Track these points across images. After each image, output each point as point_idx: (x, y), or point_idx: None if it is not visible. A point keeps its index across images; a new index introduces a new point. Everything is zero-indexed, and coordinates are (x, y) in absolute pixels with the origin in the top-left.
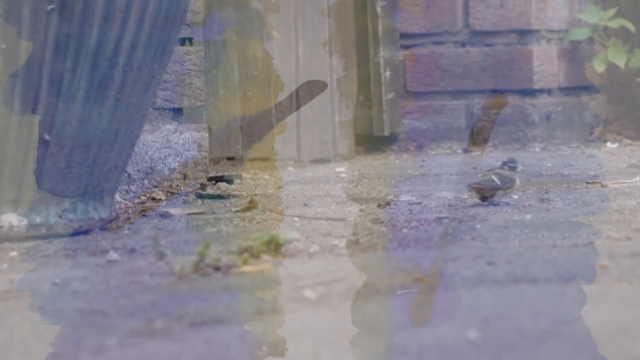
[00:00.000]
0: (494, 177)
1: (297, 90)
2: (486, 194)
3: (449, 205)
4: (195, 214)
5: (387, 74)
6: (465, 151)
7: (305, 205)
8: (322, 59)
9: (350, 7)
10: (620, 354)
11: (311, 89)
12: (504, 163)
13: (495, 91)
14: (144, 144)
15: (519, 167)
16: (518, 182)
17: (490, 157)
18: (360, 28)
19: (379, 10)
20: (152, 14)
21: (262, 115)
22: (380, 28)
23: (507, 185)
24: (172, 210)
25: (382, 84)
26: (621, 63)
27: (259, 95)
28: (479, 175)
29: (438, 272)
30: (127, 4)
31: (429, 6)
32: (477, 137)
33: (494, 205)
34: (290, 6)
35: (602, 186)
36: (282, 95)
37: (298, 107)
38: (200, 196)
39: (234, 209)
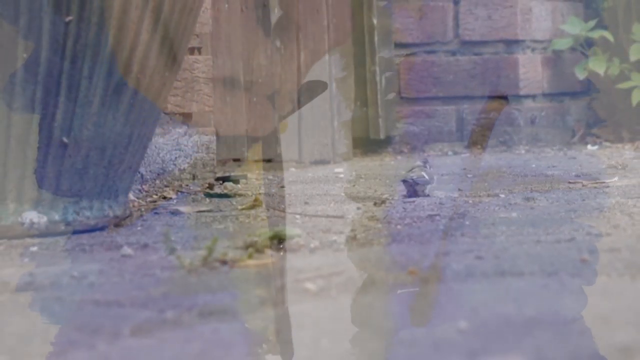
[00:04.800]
0: (423, 173)
1: (298, 90)
2: (418, 189)
3: (440, 203)
4: (203, 211)
5: (384, 79)
6: (455, 153)
7: (306, 203)
8: (322, 66)
9: (348, 17)
10: (600, 342)
11: (312, 89)
12: (425, 163)
13: (494, 96)
14: (155, 147)
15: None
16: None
17: (478, 159)
18: (357, 36)
19: (374, 21)
20: (163, 25)
21: (266, 119)
22: (376, 38)
23: (432, 180)
24: (182, 208)
25: (378, 90)
26: (601, 71)
27: (264, 101)
28: (406, 172)
29: (431, 266)
30: (140, 16)
31: (422, 18)
32: (473, 139)
33: (424, 197)
34: (292, 16)
35: (583, 186)
36: (285, 101)
37: (300, 107)
38: (208, 195)
39: (239, 207)
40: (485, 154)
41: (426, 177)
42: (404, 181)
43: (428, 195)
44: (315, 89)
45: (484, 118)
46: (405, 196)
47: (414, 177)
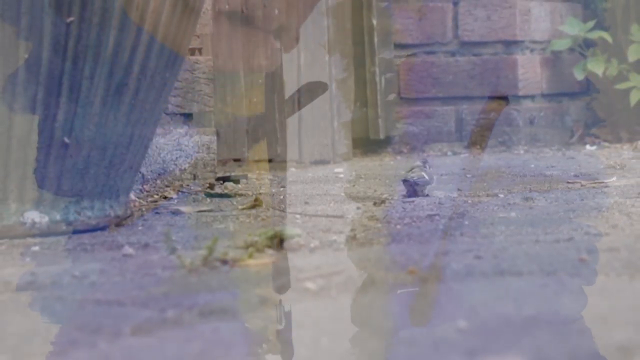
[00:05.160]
0: (423, 173)
1: (298, 91)
2: (418, 190)
3: (440, 203)
4: (204, 211)
5: (383, 80)
6: (455, 153)
7: (306, 203)
8: (322, 68)
9: (348, 20)
10: (599, 342)
11: (312, 90)
12: (424, 163)
13: (493, 97)
14: (156, 147)
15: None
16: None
17: (477, 159)
18: (357, 38)
19: (374, 22)
20: (164, 26)
21: (266, 120)
22: (376, 39)
23: (432, 180)
24: (183, 208)
25: (378, 91)
26: (599, 71)
27: (264, 101)
28: (405, 172)
29: (431, 265)
30: (141, 16)
31: (422, 19)
32: (472, 139)
33: (424, 197)
34: (292, 19)
35: (582, 186)
36: (285, 101)
37: (300, 108)
38: (208, 195)
39: (240, 207)
40: (484, 154)
41: (426, 177)
42: (404, 181)
43: (427, 195)
44: (315, 90)
45: (483, 118)
46: (405, 196)
47: (414, 177)
